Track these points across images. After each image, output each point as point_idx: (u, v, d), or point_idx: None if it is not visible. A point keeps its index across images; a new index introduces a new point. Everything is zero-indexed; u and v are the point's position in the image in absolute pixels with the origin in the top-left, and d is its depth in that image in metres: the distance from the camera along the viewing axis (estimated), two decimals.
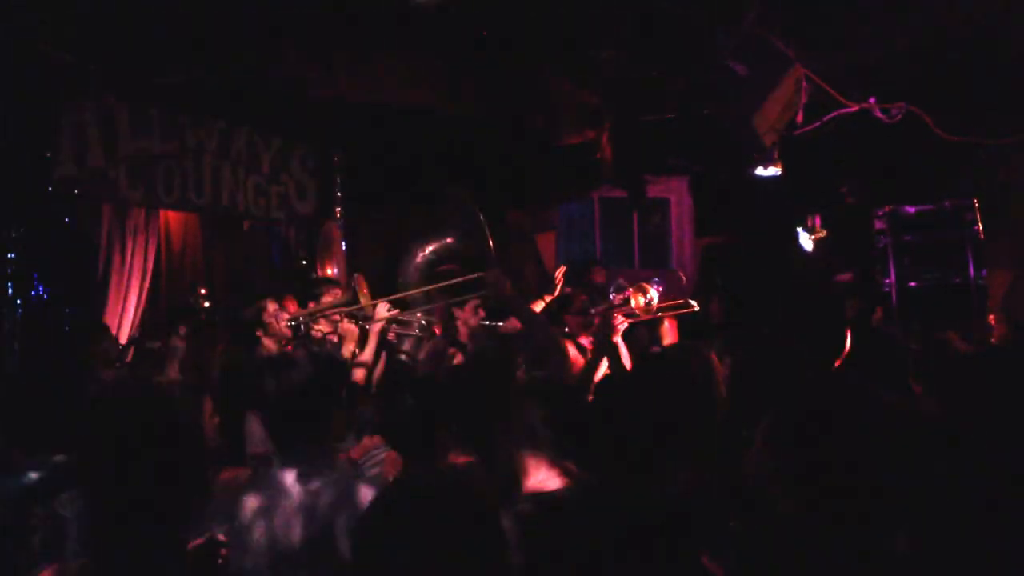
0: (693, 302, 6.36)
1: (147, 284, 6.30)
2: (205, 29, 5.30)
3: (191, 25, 5.26)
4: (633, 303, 6.12)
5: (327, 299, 5.47)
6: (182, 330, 5.10)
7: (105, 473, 1.88)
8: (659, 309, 6.31)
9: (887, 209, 7.81)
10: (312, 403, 2.61)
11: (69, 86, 5.60)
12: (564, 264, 8.95)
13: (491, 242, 5.33)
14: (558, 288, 6.16)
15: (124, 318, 6.05)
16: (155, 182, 6.22)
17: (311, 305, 5.46)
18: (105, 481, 1.88)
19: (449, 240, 5.69)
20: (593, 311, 6.17)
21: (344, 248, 5.90)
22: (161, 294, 6.50)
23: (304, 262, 6.99)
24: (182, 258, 6.77)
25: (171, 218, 6.73)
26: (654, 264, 11.35)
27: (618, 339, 6.00)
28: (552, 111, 6.88)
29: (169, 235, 6.71)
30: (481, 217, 5.37)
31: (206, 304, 5.33)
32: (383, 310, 5.00)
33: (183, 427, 1.98)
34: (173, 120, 6.36)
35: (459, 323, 5.24)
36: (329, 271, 5.72)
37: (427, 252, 5.66)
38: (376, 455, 3.17)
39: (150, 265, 6.34)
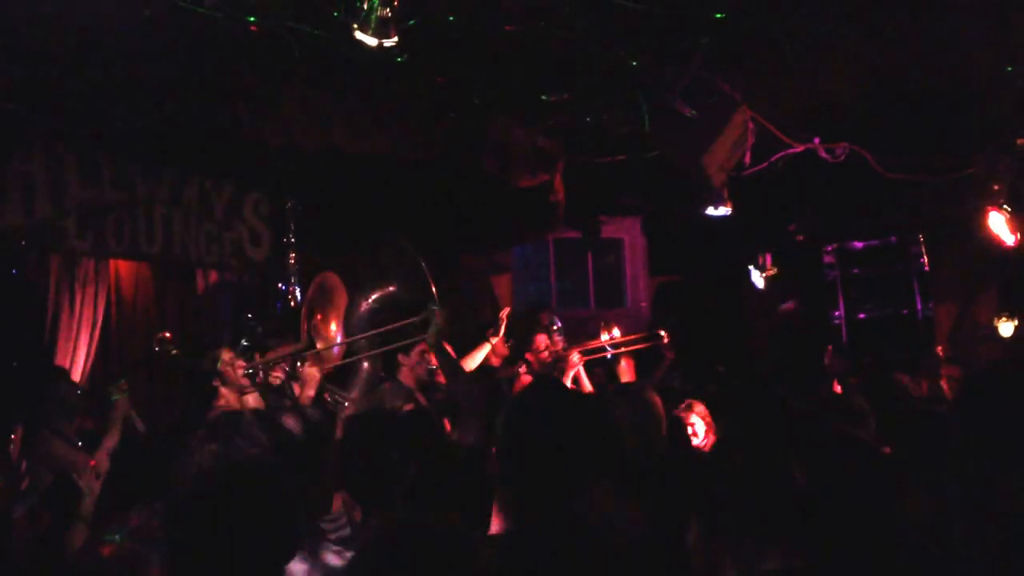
0: (662, 333, 6.52)
1: (97, 335, 6.19)
2: (155, 78, 5.29)
3: (141, 74, 5.24)
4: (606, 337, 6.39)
5: (282, 351, 5.46)
6: (123, 385, 5.01)
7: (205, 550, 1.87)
8: (623, 343, 6.51)
9: (835, 245, 7.97)
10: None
11: (16, 135, 5.54)
12: (519, 305, 9.03)
13: (433, 288, 5.35)
14: (503, 329, 6.27)
15: (74, 370, 5.94)
16: (105, 231, 6.14)
17: (257, 357, 5.42)
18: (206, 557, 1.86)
19: (391, 288, 5.68)
20: (562, 349, 6.33)
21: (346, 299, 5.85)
22: (112, 345, 6.39)
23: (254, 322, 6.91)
24: (133, 308, 6.67)
25: (122, 267, 6.64)
26: (609, 303, 11.42)
27: (581, 372, 6.24)
28: (505, 155, 6.94)
29: (120, 285, 6.61)
30: (423, 263, 5.39)
31: (171, 349, 5.24)
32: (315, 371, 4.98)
33: (281, 500, 1.98)
34: (123, 168, 6.31)
35: (406, 369, 5.25)
36: (333, 325, 5.68)
37: (371, 301, 5.65)
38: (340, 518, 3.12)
39: (100, 316, 6.23)
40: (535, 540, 2.01)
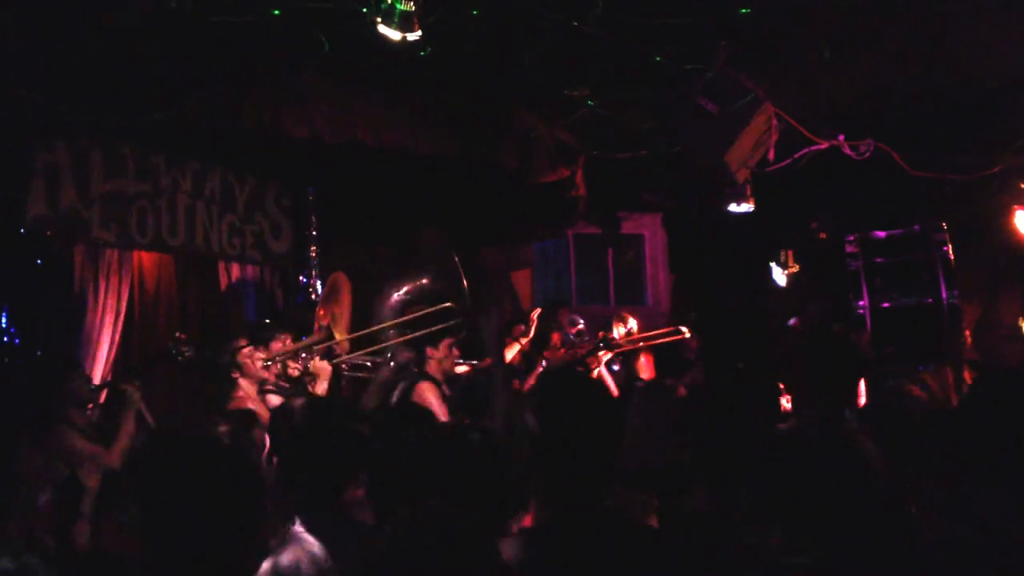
0: (684, 328, 6.54)
1: (120, 326, 6.22)
2: (179, 69, 5.31)
3: (165, 65, 5.26)
4: (616, 333, 6.41)
5: (276, 346, 5.49)
6: (137, 384, 5.02)
7: (171, 527, 1.86)
8: (645, 339, 6.54)
9: (858, 234, 7.92)
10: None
11: (41, 127, 5.57)
12: (540, 301, 9.03)
13: (465, 283, 5.38)
14: (532, 329, 6.32)
15: (97, 360, 5.97)
16: (129, 223, 6.18)
17: (262, 350, 5.45)
18: (172, 534, 1.86)
19: (424, 281, 5.73)
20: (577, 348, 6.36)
21: (351, 298, 5.92)
22: (134, 336, 6.42)
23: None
24: (156, 300, 6.70)
25: (145, 259, 6.67)
26: (629, 300, 11.39)
27: (604, 371, 6.30)
28: (526, 150, 6.93)
29: (143, 276, 6.64)
30: (456, 258, 5.43)
31: (185, 350, 5.29)
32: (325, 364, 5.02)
33: (251, 480, 1.97)
34: (147, 160, 6.34)
35: (434, 361, 5.28)
36: (336, 317, 5.74)
37: (401, 293, 5.70)
38: None
39: (123, 307, 6.26)
40: (570, 533, 2.02)
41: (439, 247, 5.49)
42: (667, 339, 6.71)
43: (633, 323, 6.64)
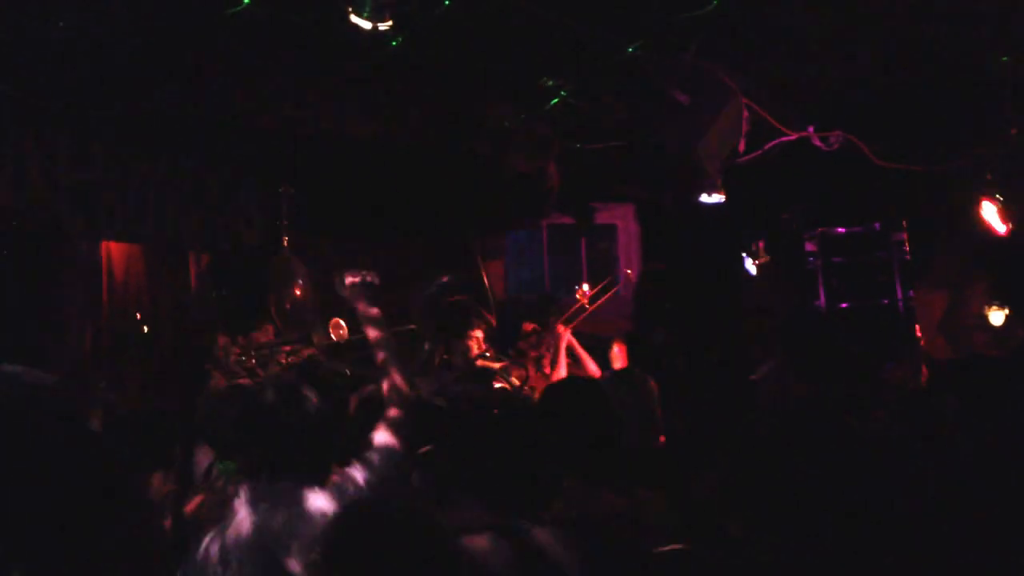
0: (628, 271, 6.85)
1: (90, 317, 6.17)
2: (149, 60, 5.26)
3: (135, 56, 5.21)
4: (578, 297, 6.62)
5: (260, 336, 5.47)
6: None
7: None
8: (591, 299, 6.76)
9: (819, 231, 7.99)
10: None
11: (8, 117, 5.51)
12: (513, 291, 9.05)
13: (487, 282, 5.41)
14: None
15: (66, 352, 5.92)
16: (98, 213, 6.12)
17: (240, 340, 5.43)
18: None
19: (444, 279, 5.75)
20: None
21: (308, 282, 5.84)
22: (103, 327, 6.37)
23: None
24: (125, 290, 6.65)
25: (114, 249, 6.61)
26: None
27: (576, 344, 6.39)
28: (500, 140, 6.93)
29: (111, 267, 6.59)
30: (480, 259, 5.43)
31: (144, 329, 5.27)
32: None
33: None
34: (116, 150, 6.28)
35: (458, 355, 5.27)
36: (289, 306, 5.68)
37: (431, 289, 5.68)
38: None
39: (92, 297, 6.22)
40: None
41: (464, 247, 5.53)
42: (608, 293, 6.99)
43: (585, 286, 6.81)
